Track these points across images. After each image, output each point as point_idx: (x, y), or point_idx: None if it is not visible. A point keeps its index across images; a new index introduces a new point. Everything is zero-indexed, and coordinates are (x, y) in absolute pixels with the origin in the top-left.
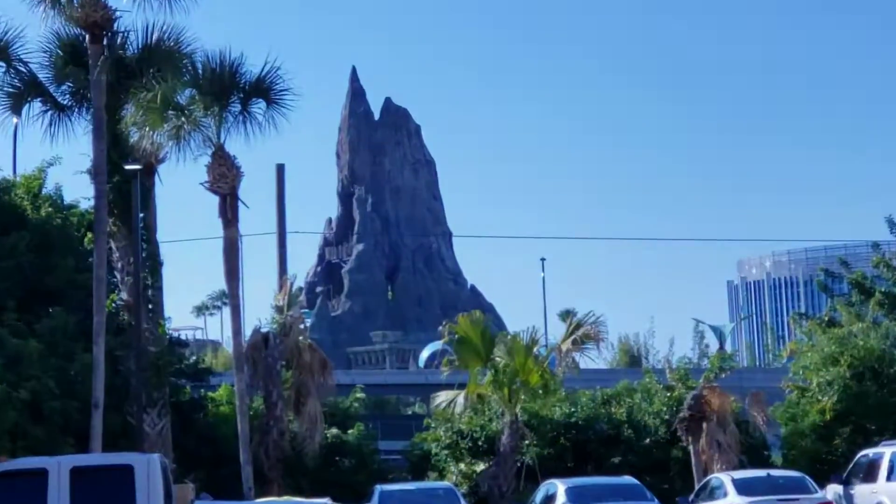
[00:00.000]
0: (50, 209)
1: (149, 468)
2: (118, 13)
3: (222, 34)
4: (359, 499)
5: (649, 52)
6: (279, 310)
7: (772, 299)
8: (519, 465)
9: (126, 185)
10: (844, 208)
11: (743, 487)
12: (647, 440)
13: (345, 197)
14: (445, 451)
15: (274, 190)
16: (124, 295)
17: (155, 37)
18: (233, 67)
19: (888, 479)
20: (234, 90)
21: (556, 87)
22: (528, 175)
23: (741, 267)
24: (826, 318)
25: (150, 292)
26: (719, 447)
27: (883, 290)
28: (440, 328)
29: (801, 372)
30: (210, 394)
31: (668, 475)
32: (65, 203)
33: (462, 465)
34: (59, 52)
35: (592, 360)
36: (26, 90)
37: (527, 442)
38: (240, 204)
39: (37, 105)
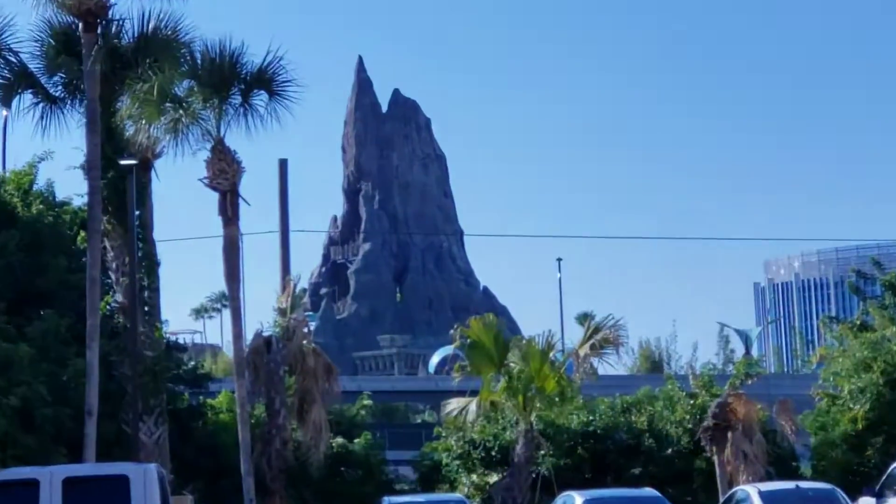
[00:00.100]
0: (41, 206)
1: (145, 479)
2: (113, 0)
3: (222, 22)
4: None
5: (673, 48)
6: (282, 312)
7: (800, 302)
8: (534, 476)
9: (121, 182)
10: (877, 206)
11: (770, 500)
12: (669, 450)
13: (351, 193)
14: (457, 462)
15: (276, 186)
16: (119, 297)
17: (151, 25)
18: (233, 57)
19: None
20: (234, 81)
21: (574, 81)
22: (543, 171)
23: (768, 268)
24: (858, 322)
25: (146, 294)
26: (745, 458)
27: None
28: (451, 332)
29: (831, 378)
30: (209, 401)
31: (691, 487)
32: (57, 200)
33: (474, 477)
34: (51, 41)
35: (612, 365)
36: (16, 81)
37: (542, 452)
38: (240, 201)
39: (27, 97)
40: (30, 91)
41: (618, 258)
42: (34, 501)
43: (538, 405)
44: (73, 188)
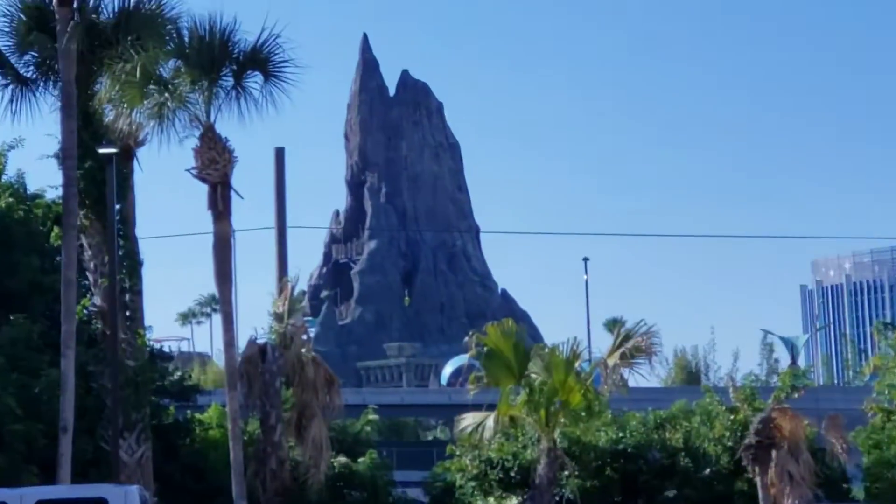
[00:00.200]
0: (11, 199)
1: (126, 501)
2: None
3: None
4: None
5: (716, 27)
6: (278, 318)
7: (852, 306)
8: (558, 499)
9: (100, 172)
10: None
11: None
12: (707, 471)
13: (354, 186)
14: (472, 483)
15: (272, 178)
16: (97, 300)
17: None
18: (225, 35)
19: None
20: (226, 61)
21: (600, 64)
22: (569, 163)
23: (816, 269)
24: None
25: (127, 297)
26: (791, 479)
27: None
28: (466, 339)
29: (886, 391)
30: (198, 415)
31: None
32: (28, 192)
33: (491, 500)
34: (22, 16)
35: (644, 377)
36: None
37: (567, 473)
38: (233, 194)
39: None
40: None
41: (650, 258)
42: None
43: (562, 421)
44: (46, 179)
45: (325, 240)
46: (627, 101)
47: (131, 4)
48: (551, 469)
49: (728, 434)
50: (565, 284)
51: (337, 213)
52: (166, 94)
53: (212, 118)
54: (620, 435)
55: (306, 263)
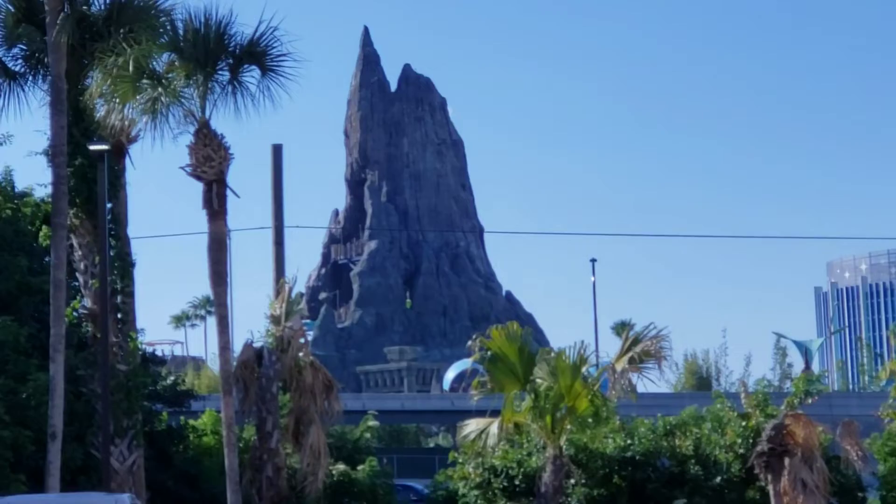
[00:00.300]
0: None
1: None
2: None
3: None
4: None
5: (723, 25)
6: (275, 320)
7: (868, 309)
8: None
9: (91, 170)
10: None
11: None
12: (718, 479)
13: (354, 184)
14: (475, 492)
15: (269, 176)
16: (88, 302)
17: None
18: (221, 28)
19: None
20: (221, 55)
21: (609, 59)
22: (576, 161)
23: (831, 270)
24: None
25: (119, 299)
26: (804, 487)
27: None
28: (469, 343)
29: None
30: (191, 421)
31: None
32: (16, 190)
33: None
34: (10, 7)
35: (653, 382)
36: None
37: (573, 481)
38: (229, 192)
39: None
40: None
41: (660, 259)
42: None
43: (569, 427)
44: (34, 177)
45: (323, 240)
46: (638, 97)
47: None
48: (557, 477)
49: (740, 441)
50: (572, 286)
51: (336, 213)
52: (160, 89)
53: (207, 114)
54: (629, 442)
55: (304, 264)
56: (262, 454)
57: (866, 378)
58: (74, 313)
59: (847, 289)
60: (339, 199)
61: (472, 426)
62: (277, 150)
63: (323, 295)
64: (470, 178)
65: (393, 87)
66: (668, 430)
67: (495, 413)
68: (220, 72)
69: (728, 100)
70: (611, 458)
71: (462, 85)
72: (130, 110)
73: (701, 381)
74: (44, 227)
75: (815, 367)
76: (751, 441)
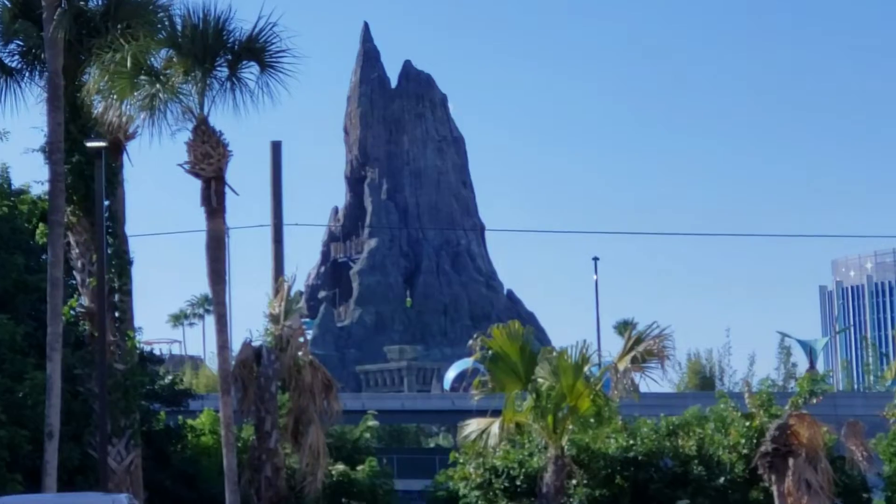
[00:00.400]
0: None
1: None
2: None
3: None
4: None
5: (728, 25)
6: (274, 319)
7: (873, 308)
8: None
9: (88, 167)
10: None
11: None
12: (722, 479)
13: (354, 182)
14: (476, 493)
15: (268, 173)
16: (85, 300)
17: None
18: (219, 23)
19: None
20: (220, 51)
21: (611, 56)
22: (578, 158)
23: (836, 269)
24: None
25: (116, 297)
26: (809, 488)
27: None
28: (470, 342)
29: None
30: (189, 421)
31: None
32: (13, 188)
33: None
34: (6, 2)
35: (656, 381)
36: None
37: (574, 481)
38: (227, 190)
39: None
40: None
41: (663, 257)
42: None
43: (570, 427)
44: (31, 174)
45: (323, 238)
46: (640, 94)
47: None
48: (559, 477)
49: (743, 441)
50: (574, 285)
51: (336, 210)
52: (158, 86)
53: (205, 110)
54: (631, 442)
55: (304, 262)
56: (260, 454)
57: (871, 378)
58: (71, 312)
59: (852, 288)
60: (339, 196)
61: (472, 426)
62: (276, 147)
63: (322, 293)
64: (471, 175)
65: (393, 83)
66: (671, 431)
67: (496, 413)
68: (218, 68)
69: (731, 97)
70: (613, 458)
71: (463, 81)
72: (128, 107)
73: (704, 381)
74: (40, 224)
75: (820, 366)
76: (755, 441)
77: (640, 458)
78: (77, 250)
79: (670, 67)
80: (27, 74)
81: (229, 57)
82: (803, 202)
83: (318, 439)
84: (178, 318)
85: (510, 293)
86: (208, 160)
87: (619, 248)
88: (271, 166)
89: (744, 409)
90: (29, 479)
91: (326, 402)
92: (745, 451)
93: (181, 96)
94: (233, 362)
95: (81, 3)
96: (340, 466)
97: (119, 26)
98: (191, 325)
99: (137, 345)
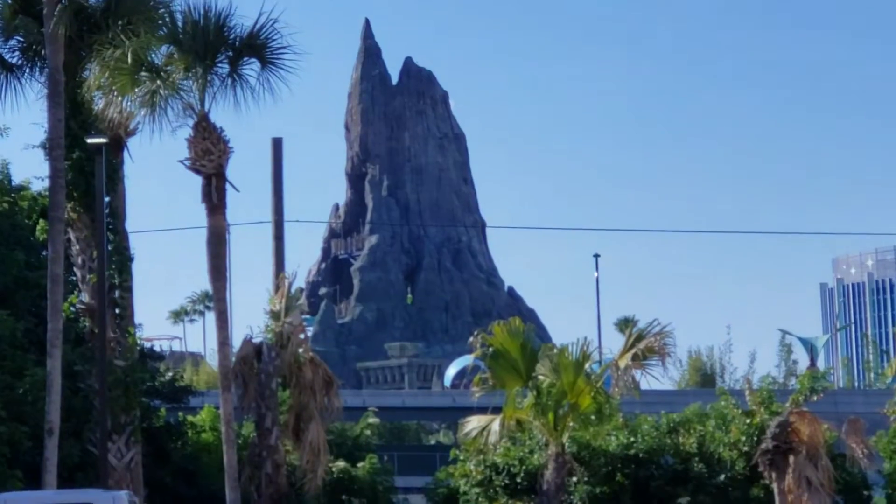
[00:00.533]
0: None
1: None
2: None
3: None
4: None
5: (726, 20)
6: (275, 316)
7: (874, 305)
8: None
9: (88, 163)
10: None
11: None
12: (722, 476)
13: (355, 178)
14: (476, 490)
15: (269, 170)
16: (85, 297)
17: None
18: (220, 20)
19: None
20: (221, 47)
21: (612, 54)
22: (579, 156)
23: (837, 267)
24: None
25: (116, 294)
26: (809, 485)
27: None
28: (471, 339)
29: None
30: (190, 418)
31: None
32: (13, 184)
33: None
34: None
35: (657, 379)
36: None
37: (575, 478)
38: (228, 186)
39: None
40: None
41: (664, 255)
42: None
43: (571, 424)
44: (31, 170)
45: (323, 234)
46: (641, 92)
47: None
48: (559, 475)
49: (744, 438)
50: (575, 282)
51: (336, 207)
52: (158, 82)
53: (206, 107)
54: (632, 439)
55: (304, 259)
56: (261, 451)
57: (872, 375)
58: (72, 308)
59: (853, 285)
60: (340, 193)
61: (473, 423)
62: (277, 144)
63: (323, 290)
64: (472, 172)
65: (394, 80)
66: (672, 428)
67: (497, 410)
68: (219, 64)
69: (732, 95)
70: (614, 455)
71: (464, 78)
72: (129, 103)
73: (705, 378)
74: (41, 220)
75: (821, 364)
76: (755, 439)
77: (640, 455)
78: (77, 247)
79: (671, 65)
80: (28, 70)
81: (230, 53)
82: (804, 200)
83: (318, 436)
84: (178, 315)
85: (511, 290)
86: (209, 157)
87: (620, 245)
88: (272, 163)
89: (744, 407)
90: (29, 475)
91: (327, 398)
92: (745, 449)
93: (182, 93)
94: (233, 359)
95: None
96: (341, 463)
97: (120, 22)
98: (191, 321)
99: (138, 341)
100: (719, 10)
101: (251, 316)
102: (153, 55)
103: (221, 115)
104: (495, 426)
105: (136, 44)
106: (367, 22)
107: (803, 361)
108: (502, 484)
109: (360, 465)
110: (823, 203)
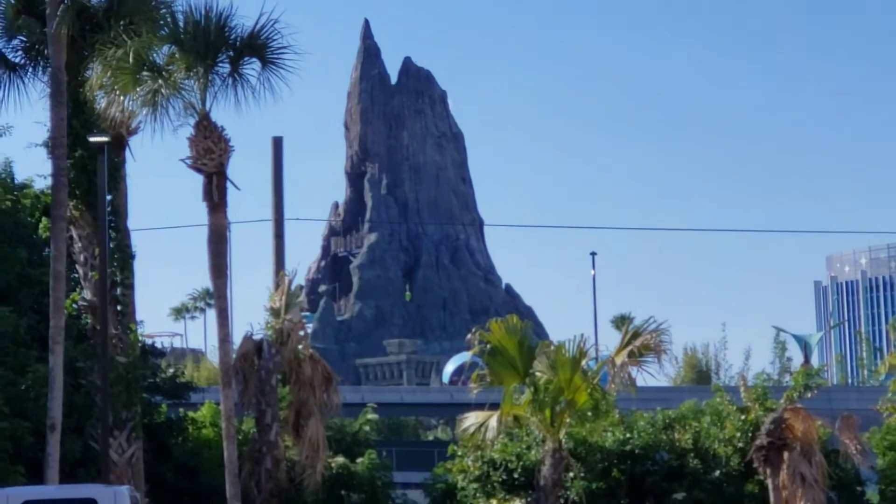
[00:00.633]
0: None
1: (115, 502)
2: None
3: None
4: None
5: (725, 19)
6: (275, 313)
7: (867, 303)
8: (563, 501)
9: (90, 161)
10: None
11: None
12: (717, 472)
13: (354, 177)
14: (474, 485)
15: (269, 168)
16: (87, 294)
17: None
18: (221, 20)
19: None
20: (222, 47)
21: (610, 52)
22: (576, 154)
23: (831, 264)
24: None
25: (118, 291)
26: (803, 481)
27: None
28: (468, 336)
29: None
30: (191, 414)
31: None
32: (16, 182)
33: (494, 502)
34: None
35: (653, 375)
36: None
37: (572, 474)
38: (229, 185)
39: None
40: None
41: (660, 253)
42: None
43: (568, 420)
44: (34, 168)
45: (323, 232)
46: (638, 90)
47: None
48: (556, 470)
49: (739, 435)
50: (572, 279)
51: (336, 205)
52: (160, 81)
53: (207, 106)
54: (628, 435)
55: (304, 257)
56: (261, 446)
57: (865, 372)
58: (74, 305)
59: (847, 283)
60: (339, 191)
61: (471, 419)
62: (278, 143)
63: (322, 287)
64: (470, 171)
65: (393, 79)
66: (668, 424)
67: (494, 406)
68: (220, 64)
69: (728, 94)
70: (610, 451)
71: (462, 78)
72: (130, 102)
73: (700, 375)
74: (43, 218)
75: (815, 361)
76: (750, 435)
77: (636, 451)
78: (79, 244)
79: (668, 64)
80: (30, 70)
81: (231, 53)
82: (799, 198)
83: (317, 432)
84: (179, 312)
85: (509, 287)
86: (210, 155)
87: (616, 243)
88: (272, 162)
89: (739, 403)
90: (31, 470)
91: (326, 395)
92: (740, 445)
93: (183, 92)
94: (234, 355)
95: None
96: (340, 459)
97: (122, 22)
98: (192, 318)
99: (139, 338)
100: (719, 9)
101: (252, 313)
102: (155, 55)
103: (222, 114)
104: (493, 422)
105: (137, 43)
106: (367, 22)
107: (797, 358)
108: (499, 479)
109: (359, 460)
110: (817, 201)
